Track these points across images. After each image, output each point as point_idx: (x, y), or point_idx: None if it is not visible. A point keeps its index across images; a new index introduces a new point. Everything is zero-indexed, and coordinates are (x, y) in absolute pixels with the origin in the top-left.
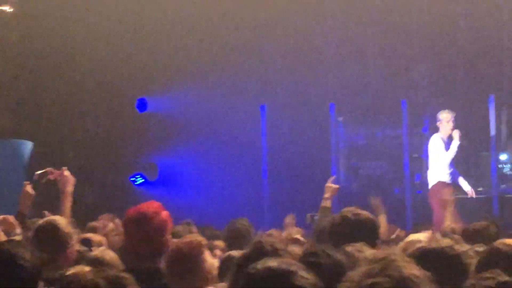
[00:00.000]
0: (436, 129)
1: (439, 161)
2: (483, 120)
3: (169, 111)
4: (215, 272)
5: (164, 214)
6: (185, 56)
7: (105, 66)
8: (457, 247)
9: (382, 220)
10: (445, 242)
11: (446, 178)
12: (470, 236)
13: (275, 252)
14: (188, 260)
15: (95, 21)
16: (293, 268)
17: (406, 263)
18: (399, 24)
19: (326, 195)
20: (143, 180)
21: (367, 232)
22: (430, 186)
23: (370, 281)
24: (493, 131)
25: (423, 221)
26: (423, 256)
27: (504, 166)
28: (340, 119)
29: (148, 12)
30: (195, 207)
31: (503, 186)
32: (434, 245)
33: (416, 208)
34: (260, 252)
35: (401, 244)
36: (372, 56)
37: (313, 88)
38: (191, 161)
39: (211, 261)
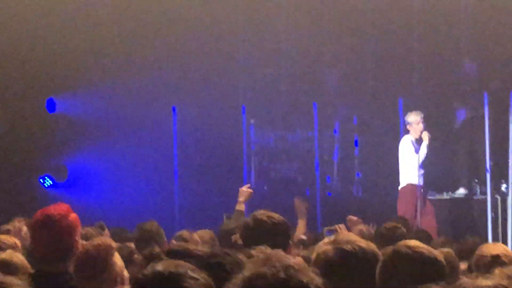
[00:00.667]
0: (347, 133)
1: (409, 163)
2: (394, 123)
3: (80, 112)
4: (125, 274)
5: (72, 216)
6: (97, 56)
7: (13, 65)
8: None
9: (302, 224)
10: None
11: (416, 180)
12: (379, 238)
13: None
14: (96, 262)
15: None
16: (181, 270)
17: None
18: (310, 27)
19: (241, 199)
20: (51, 182)
21: (279, 234)
22: (400, 188)
23: (253, 271)
24: (401, 134)
25: (334, 222)
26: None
27: None
28: (252, 121)
29: (56, 11)
30: (107, 209)
31: None
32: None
33: (326, 210)
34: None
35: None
36: (284, 59)
37: (225, 90)
38: (102, 163)
39: (121, 264)
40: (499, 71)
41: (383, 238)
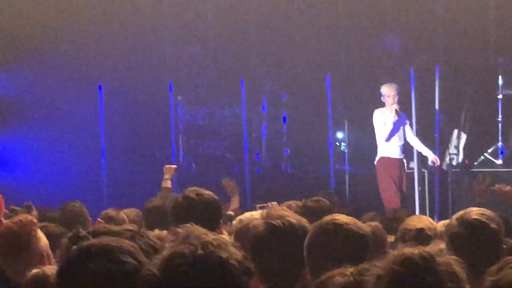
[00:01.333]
0: (275, 109)
1: (379, 137)
2: (322, 99)
3: (4, 91)
4: (50, 251)
5: None
6: (20, 34)
7: None
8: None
9: (235, 200)
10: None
11: (388, 153)
12: (305, 212)
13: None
14: (19, 239)
15: None
16: (112, 243)
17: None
18: (237, 4)
19: (166, 176)
20: None
21: (209, 212)
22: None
23: (171, 251)
24: (329, 110)
25: (262, 199)
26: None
27: (340, 144)
28: (179, 98)
29: None
30: (34, 189)
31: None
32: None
33: (255, 186)
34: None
35: (234, 222)
36: (211, 36)
37: (151, 67)
38: (28, 142)
39: (45, 241)
40: (424, 46)
41: (309, 212)
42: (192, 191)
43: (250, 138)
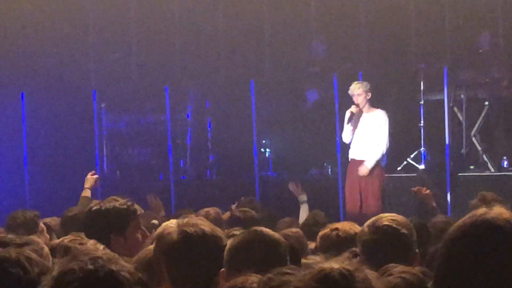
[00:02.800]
0: (200, 116)
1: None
2: (246, 105)
3: None
4: None
5: None
6: None
7: None
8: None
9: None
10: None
11: (354, 155)
12: (232, 222)
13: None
14: None
15: None
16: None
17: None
18: (158, 10)
19: (86, 185)
20: None
21: (117, 220)
22: None
23: (61, 269)
24: (254, 117)
25: (187, 206)
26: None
27: (265, 150)
28: (103, 105)
29: None
30: None
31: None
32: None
33: (180, 193)
34: None
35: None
36: (135, 42)
37: (75, 75)
38: None
39: None
40: (348, 52)
41: (236, 221)
42: (98, 203)
43: (174, 145)
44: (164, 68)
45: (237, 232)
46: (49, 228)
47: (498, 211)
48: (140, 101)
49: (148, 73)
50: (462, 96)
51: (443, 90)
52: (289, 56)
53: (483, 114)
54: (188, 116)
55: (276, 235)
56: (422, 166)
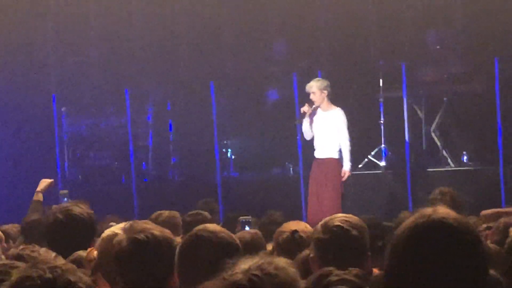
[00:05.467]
0: (161, 118)
1: None
2: (207, 107)
3: None
4: None
5: None
6: None
7: None
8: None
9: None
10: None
11: (316, 153)
12: (185, 227)
13: None
14: None
15: None
16: None
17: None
18: (117, 14)
19: (39, 189)
20: None
21: (79, 230)
22: None
23: (20, 275)
24: (215, 118)
25: (151, 209)
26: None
27: (227, 150)
28: (63, 109)
29: None
30: None
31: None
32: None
33: (142, 196)
34: None
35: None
36: (94, 46)
37: (34, 79)
38: None
39: None
40: (307, 51)
41: (188, 225)
42: (61, 210)
43: (136, 148)
44: (124, 71)
45: None
46: (8, 236)
47: (444, 210)
48: (100, 105)
49: (108, 76)
50: (421, 92)
51: (401, 87)
52: (248, 56)
53: (441, 110)
54: (149, 118)
55: (234, 239)
56: (383, 163)
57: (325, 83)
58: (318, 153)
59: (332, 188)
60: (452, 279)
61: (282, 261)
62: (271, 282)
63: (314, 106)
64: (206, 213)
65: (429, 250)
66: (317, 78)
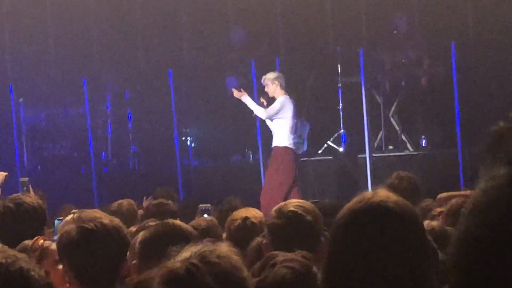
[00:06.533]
0: (120, 107)
1: None
2: (166, 95)
3: None
4: None
5: None
6: None
7: None
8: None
9: None
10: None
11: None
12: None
13: None
14: None
15: None
16: None
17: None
18: (75, 1)
19: None
20: None
21: (30, 220)
22: None
23: None
24: (173, 106)
25: (110, 198)
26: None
27: (187, 138)
28: (21, 100)
29: None
30: None
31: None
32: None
33: (103, 186)
34: None
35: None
36: (51, 35)
37: None
38: None
39: None
40: (265, 38)
41: (151, 214)
42: (12, 199)
43: (95, 137)
44: (81, 60)
45: (152, 223)
46: None
47: (385, 193)
48: (58, 94)
49: (66, 65)
50: (379, 77)
51: (359, 72)
52: (206, 43)
53: (399, 95)
54: (107, 107)
55: (187, 228)
56: (341, 149)
57: (275, 74)
58: (273, 142)
59: (275, 175)
60: (392, 264)
61: (224, 249)
62: (210, 271)
63: (266, 97)
64: (171, 203)
65: (366, 235)
66: (270, 71)
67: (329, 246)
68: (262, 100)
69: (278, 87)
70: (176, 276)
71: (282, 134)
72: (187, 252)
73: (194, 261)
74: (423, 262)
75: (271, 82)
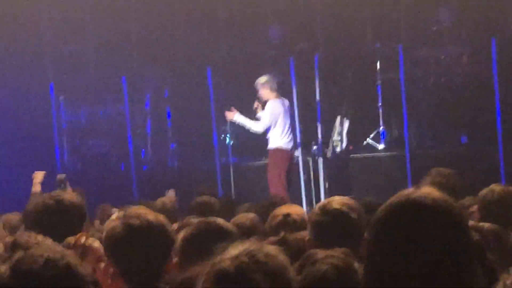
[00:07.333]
0: (159, 105)
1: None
2: (205, 93)
3: None
4: None
5: None
6: None
7: None
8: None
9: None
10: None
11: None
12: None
13: None
14: None
15: None
16: None
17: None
18: (115, 1)
19: (35, 181)
20: None
21: (69, 217)
22: None
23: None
24: (212, 103)
25: (151, 196)
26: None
27: (225, 136)
28: (61, 98)
29: None
30: None
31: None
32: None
33: (142, 184)
34: None
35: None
36: (90, 34)
37: (31, 68)
38: None
39: None
40: (303, 35)
41: (196, 211)
42: (52, 197)
43: (134, 135)
44: (121, 58)
45: (193, 220)
46: (10, 224)
47: (426, 190)
48: (98, 93)
49: (105, 64)
50: (419, 74)
51: (399, 68)
52: (245, 41)
53: (439, 92)
54: (146, 105)
55: (229, 226)
56: (381, 146)
57: (265, 78)
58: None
59: (273, 176)
60: (430, 261)
61: (272, 248)
62: (259, 270)
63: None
64: (213, 200)
65: (403, 230)
66: (262, 76)
67: (368, 241)
68: (256, 104)
69: (269, 91)
70: (226, 273)
71: (273, 136)
72: (235, 250)
73: (244, 259)
74: (464, 260)
75: (262, 86)
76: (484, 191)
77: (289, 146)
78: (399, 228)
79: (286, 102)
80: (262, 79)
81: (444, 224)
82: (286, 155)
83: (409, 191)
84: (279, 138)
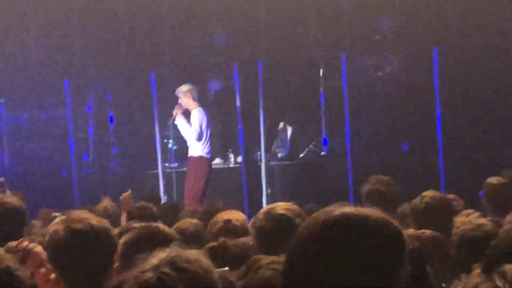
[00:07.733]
0: (101, 109)
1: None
2: (148, 97)
3: None
4: None
5: None
6: None
7: None
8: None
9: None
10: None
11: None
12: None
13: None
14: None
15: None
16: None
17: None
18: (57, 3)
19: None
20: None
21: (10, 221)
22: None
23: None
24: (155, 108)
25: (91, 201)
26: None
27: (168, 141)
28: (2, 101)
29: None
30: None
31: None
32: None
33: (83, 188)
34: None
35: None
36: (33, 36)
37: None
38: None
39: None
40: (248, 42)
41: (136, 216)
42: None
43: (76, 139)
44: (63, 61)
45: (136, 225)
46: None
47: (347, 209)
48: (40, 96)
49: (47, 66)
50: (361, 82)
51: (341, 76)
52: (189, 47)
53: (379, 100)
54: (89, 109)
55: (170, 231)
56: (323, 153)
57: (187, 87)
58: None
59: (192, 183)
60: (345, 277)
61: (193, 253)
62: (181, 278)
63: (180, 109)
64: (152, 207)
65: (318, 247)
66: (184, 84)
67: (290, 255)
68: (175, 111)
69: (191, 100)
70: (148, 286)
71: (196, 144)
72: (156, 259)
73: (165, 269)
74: (387, 274)
75: (184, 95)
76: (416, 199)
77: (209, 155)
78: (313, 244)
79: (206, 111)
80: (184, 87)
81: (359, 240)
82: (207, 164)
83: (330, 208)
84: (202, 147)
